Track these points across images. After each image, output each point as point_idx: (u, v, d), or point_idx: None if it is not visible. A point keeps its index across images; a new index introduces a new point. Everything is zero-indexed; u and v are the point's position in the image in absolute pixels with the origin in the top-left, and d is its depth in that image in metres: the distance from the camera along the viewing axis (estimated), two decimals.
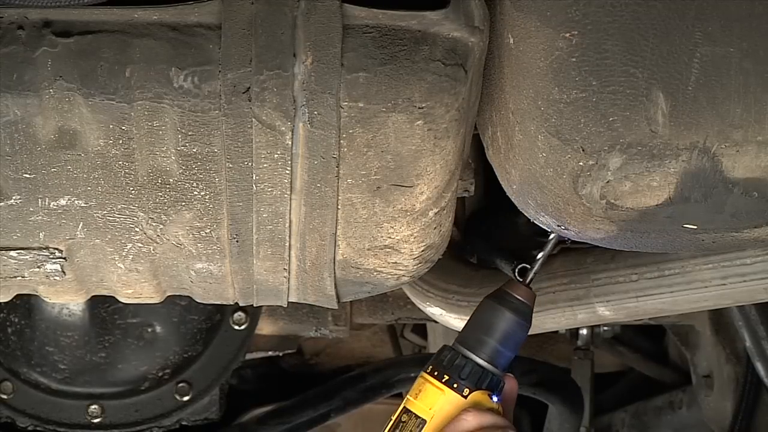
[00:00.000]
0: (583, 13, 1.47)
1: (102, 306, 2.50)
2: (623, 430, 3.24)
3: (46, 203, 1.60)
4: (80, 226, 1.63)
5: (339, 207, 1.62)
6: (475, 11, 1.54)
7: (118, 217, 1.62)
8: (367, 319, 2.86)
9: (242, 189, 1.59)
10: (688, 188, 1.54)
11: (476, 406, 1.66)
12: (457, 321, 2.16)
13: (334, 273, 1.72)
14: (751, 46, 1.47)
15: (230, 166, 1.56)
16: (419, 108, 1.52)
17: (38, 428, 2.53)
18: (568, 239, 1.72)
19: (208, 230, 1.64)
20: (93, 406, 2.53)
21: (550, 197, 1.61)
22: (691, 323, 2.87)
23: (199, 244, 1.66)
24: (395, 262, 1.72)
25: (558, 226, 1.67)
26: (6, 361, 2.52)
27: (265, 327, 2.77)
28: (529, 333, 2.12)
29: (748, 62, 1.47)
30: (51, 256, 1.66)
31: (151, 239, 1.64)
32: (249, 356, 2.71)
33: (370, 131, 1.54)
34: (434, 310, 2.19)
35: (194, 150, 1.55)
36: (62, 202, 1.60)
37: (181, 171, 1.57)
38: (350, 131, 1.54)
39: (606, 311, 2.06)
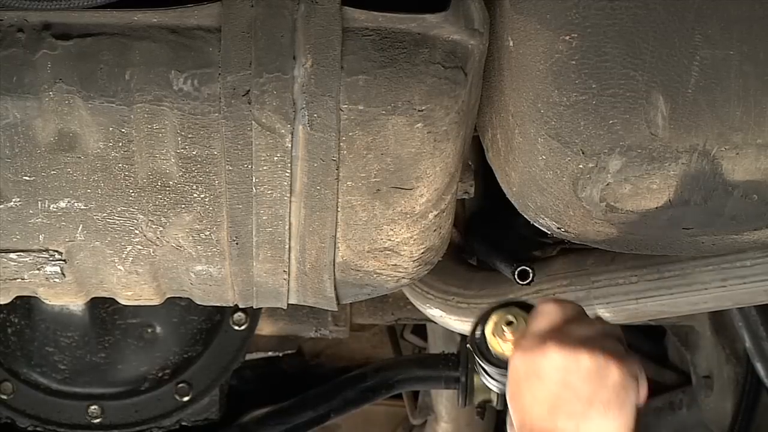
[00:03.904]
0: (582, 15, 1.47)
1: (102, 306, 2.50)
2: None
3: (46, 206, 1.60)
4: (80, 229, 1.63)
5: (339, 209, 1.61)
6: (474, 14, 1.54)
7: (118, 220, 1.62)
8: (367, 320, 2.86)
9: (242, 191, 1.59)
10: (688, 191, 1.54)
11: None
12: (457, 323, 2.16)
13: (334, 275, 1.71)
14: (750, 49, 1.47)
15: (230, 168, 1.56)
16: (419, 111, 1.52)
17: (38, 428, 2.52)
18: (568, 241, 1.72)
19: (207, 232, 1.64)
20: (93, 407, 2.52)
21: (550, 199, 1.61)
22: (691, 324, 2.87)
23: (198, 247, 1.66)
24: (395, 264, 1.72)
25: (558, 228, 1.67)
26: (6, 361, 2.51)
27: (265, 327, 2.77)
28: None
29: (748, 65, 1.47)
30: (51, 259, 1.66)
31: (151, 241, 1.64)
32: (249, 357, 2.71)
33: (370, 134, 1.54)
34: (434, 312, 2.19)
35: (194, 152, 1.55)
36: (62, 204, 1.60)
37: (180, 173, 1.57)
38: (350, 134, 1.54)
39: (606, 313, 2.06)
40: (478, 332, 1.67)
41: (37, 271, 1.68)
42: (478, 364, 1.71)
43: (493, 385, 1.73)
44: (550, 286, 2.11)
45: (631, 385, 1.51)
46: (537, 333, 1.55)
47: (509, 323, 1.62)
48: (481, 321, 1.66)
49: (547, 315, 1.57)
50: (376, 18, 1.51)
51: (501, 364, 1.63)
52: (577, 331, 1.53)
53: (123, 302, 1.79)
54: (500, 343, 1.63)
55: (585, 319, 1.55)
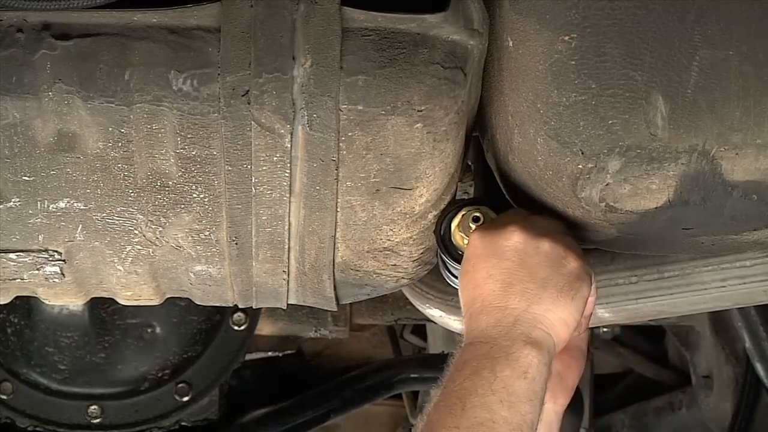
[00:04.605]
0: (582, 15, 1.47)
1: (102, 306, 2.50)
2: (623, 431, 3.23)
3: (45, 206, 1.60)
4: (79, 229, 1.63)
5: (338, 210, 1.61)
6: (474, 14, 1.54)
7: (118, 220, 1.62)
8: (366, 320, 2.86)
9: (241, 192, 1.59)
10: (688, 191, 1.54)
11: None
12: (456, 323, 2.15)
13: (334, 275, 1.71)
14: (750, 49, 1.47)
15: (229, 168, 1.56)
16: (418, 111, 1.52)
17: (38, 428, 2.53)
18: None
19: (207, 233, 1.64)
20: (93, 407, 2.53)
21: (549, 200, 1.61)
22: (691, 324, 2.87)
23: (198, 247, 1.66)
24: (394, 265, 1.72)
25: None
26: (6, 361, 2.52)
27: (265, 328, 2.77)
28: None
29: (748, 65, 1.47)
30: (50, 259, 1.66)
31: (151, 242, 1.64)
32: (249, 357, 2.71)
33: (370, 134, 1.54)
34: (434, 312, 2.18)
35: (193, 153, 1.55)
36: (61, 204, 1.60)
37: (180, 174, 1.57)
38: (349, 134, 1.54)
39: (606, 313, 2.06)
40: (444, 224, 1.65)
41: (36, 271, 1.68)
42: (440, 258, 1.68)
43: (453, 283, 1.70)
44: None
45: (585, 280, 1.54)
46: (501, 219, 1.58)
47: (477, 219, 1.62)
48: (450, 213, 1.64)
49: (515, 212, 1.60)
50: (376, 18, 1.51)
51: (461, 259, 1.61)
52: (542, 223, 1.57)
53: (122, 302, 1.79)
54: (463, 237, 1.62)
55: (552, 218, 1.59)
